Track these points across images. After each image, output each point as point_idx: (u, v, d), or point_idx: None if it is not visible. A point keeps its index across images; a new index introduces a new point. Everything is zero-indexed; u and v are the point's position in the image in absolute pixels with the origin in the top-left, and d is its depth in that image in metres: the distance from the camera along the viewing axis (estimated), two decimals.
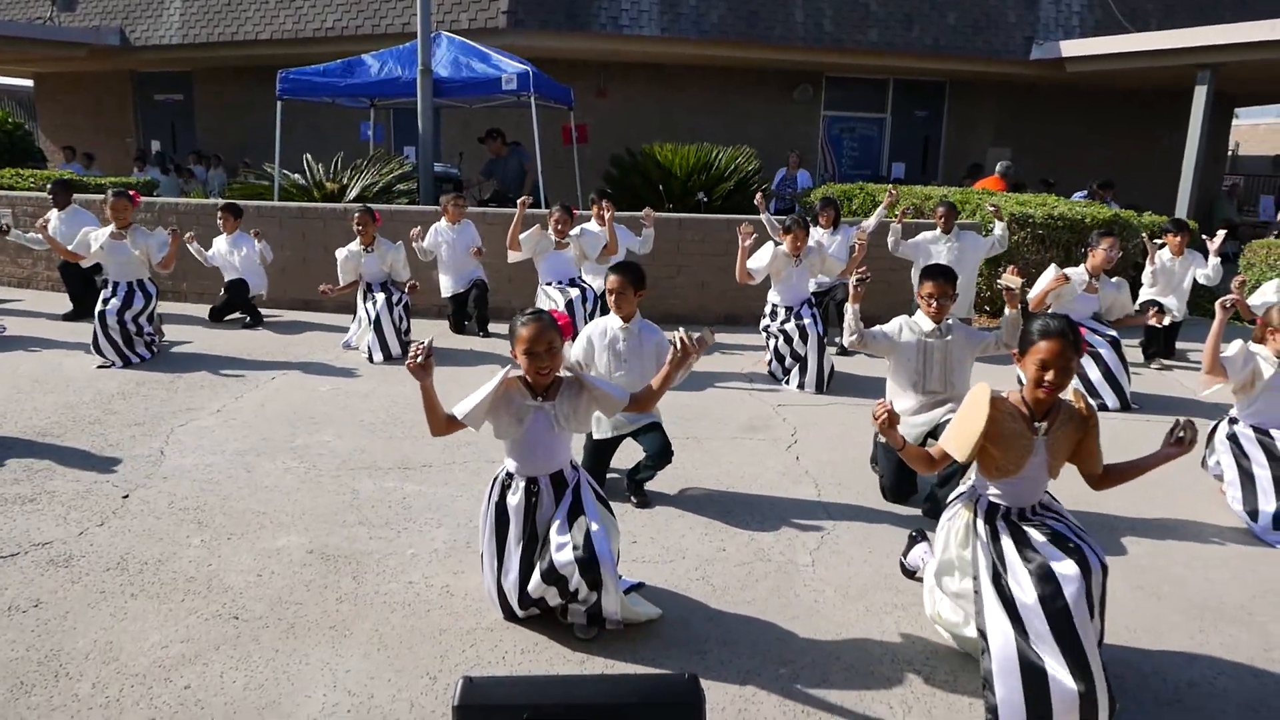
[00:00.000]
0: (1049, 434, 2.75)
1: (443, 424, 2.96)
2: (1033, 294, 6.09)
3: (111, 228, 6.62)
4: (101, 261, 6.79)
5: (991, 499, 2.83)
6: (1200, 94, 12.27)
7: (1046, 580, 2.57)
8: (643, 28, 13.43)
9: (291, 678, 2.80)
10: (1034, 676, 2.52)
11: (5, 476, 4.32)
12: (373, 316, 6.86)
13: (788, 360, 6.44)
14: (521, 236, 6.87)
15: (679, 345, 2.92)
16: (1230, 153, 21.31)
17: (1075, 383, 5.66)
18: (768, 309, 6.66)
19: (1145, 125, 16.37)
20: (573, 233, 7.03)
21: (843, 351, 7.51)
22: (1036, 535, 2.72)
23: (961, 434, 2.75)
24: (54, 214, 7.68)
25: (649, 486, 4.32)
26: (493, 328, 7.89)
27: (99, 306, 6.47)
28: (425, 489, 4.33)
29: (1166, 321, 7.40)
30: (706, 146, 11.86)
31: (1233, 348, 4.22)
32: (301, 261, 8.71)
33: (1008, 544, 2.70)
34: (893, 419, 2.74)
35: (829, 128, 16.13)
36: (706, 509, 4.21)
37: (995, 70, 14.95)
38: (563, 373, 3.10)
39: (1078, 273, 6.07)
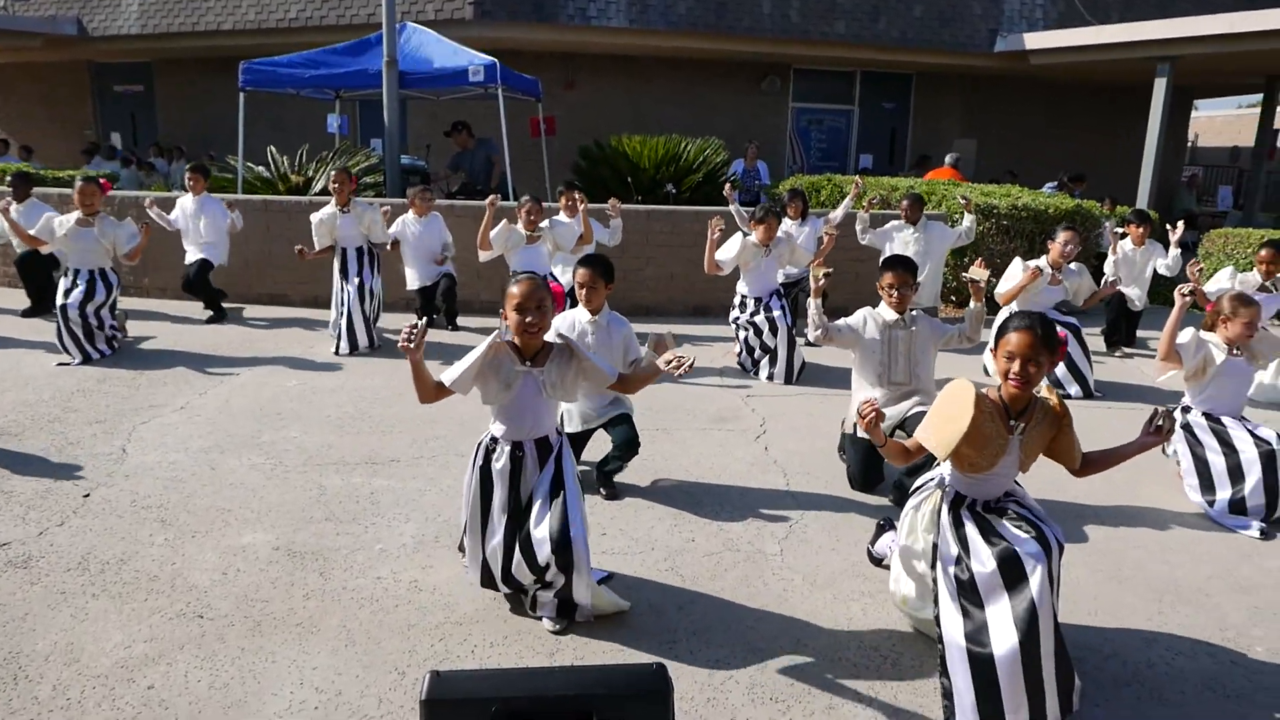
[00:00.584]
0: (1024, 433, 2.76)
1: (431, 392, 2.95)
2: (1005, 289, 6.13)
3: (78, 214, 6.46)
4: (64, 249, 6.63)
5: (960, 491, 2.85)
6: (1160, 86, 12.46)
7: (1008, 556, 2.61)
8: (610, 19, 13.38)
9: (258, 676, 2.77)
10: (982, 666, 2.56)
11: None
12: (345, 308, 6.81)
13: (757, 352, 6.47)
14: (491, 234, 6.79)
15: (666, 362, 2.92)
16: (1190, 144, 21.67)
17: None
18: (736, 300, 6.68)
19: (1108, 117, 16.63)
20: (544, 224, 6.98)
21: (811, 343, 7.56)
22: (999, 521, 2.76)
23: (943, 433, 2.73)
24: (13, 205, 7.51)
25: (618, 478, 4.33)
26: (461, 321, 7.85)
27: (59, 299, 6.34)
28: (393, 484, 4.31)
29: (1138, 307, 7.55)
30: (675, 138, 11.85)
31: (1185, 335, 4.31)
32: (266, 255, 8.60)
33: (971, 531, 2.74)
34: (879, 417, 2.73)
35: (797, 119, 16.19)
36: (676, 500, 4.22)
37: (960, 63, 15.09)
38: (554, 339, 3.09)
39: (1043, 264, 6.17)
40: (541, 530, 2.92)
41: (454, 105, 12.57)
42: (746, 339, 6.52)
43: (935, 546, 2.83)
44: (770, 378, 6.35)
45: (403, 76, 9.50)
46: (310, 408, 5.44)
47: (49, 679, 2.71)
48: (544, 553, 2.90)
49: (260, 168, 10.59)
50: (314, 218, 7.00)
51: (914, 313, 4.27)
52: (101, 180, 6.67)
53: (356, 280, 6.90)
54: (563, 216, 7.33)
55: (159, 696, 2.65)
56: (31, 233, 6.62)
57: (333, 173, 7.00)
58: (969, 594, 2.64)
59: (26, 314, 7.87)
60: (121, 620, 3.05)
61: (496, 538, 3.03)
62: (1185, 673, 2.95)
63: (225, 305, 8.08)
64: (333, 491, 4.19)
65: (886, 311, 4.26)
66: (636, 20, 13.48)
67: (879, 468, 4.37)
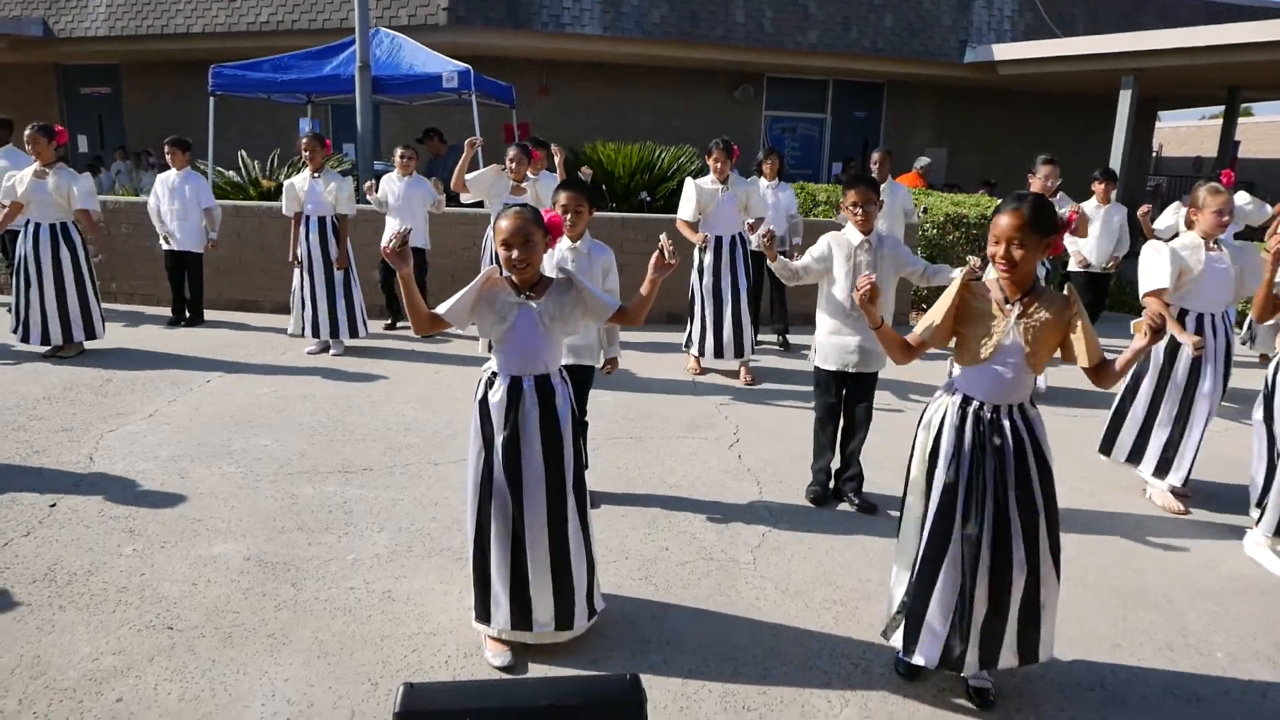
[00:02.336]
0: (1024, 318, 2.64)
1: (425, 322, 2.91)
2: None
3: (35, 165, 6.31)
4: (30, 202, 6.44)
5: (966, 392, 2.75)
6: (1125, 97, 12.72)
7: (956, 545, 2.69)
8: (584, 26, 13.42)
9: (228, 688, 2.75)
10: (913, 622, 2.79)
11: None
12: (323, 296, 6.82)
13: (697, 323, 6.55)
14: (472, 176, 6.52)
15: (661, 253, 2.85)
16: (1154, 154, 22.09)
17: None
18: (698, 259, 6.60)
19: (1075, 127, 16.90)
20: (530, 176, 6.81)
21: (786, 347, 7.61)
22: (989, 486, 2.66)
23: (931, 312, 2.75)
24: None
25: (592, 487, 4.33)
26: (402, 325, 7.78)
27: (18, 252, 6.32)
28: (366, 493, 4.29)
29: (1099, 267, 7.57)
30: (649, 146, 11.90)
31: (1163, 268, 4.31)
32: (238, 261, 8.53)
33: (958, 480, 2.69)
34: (874, 293, 2.72)
35: (770, 127, 16.30)
36: (649, 509, 4.24)
37: (931, 72, 15.29)
38: (554, 274, 3.04)
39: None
40: (543, 612, 2.97)
41: (427, 111, 12.53)
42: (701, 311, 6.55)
43: (927, 488, 2.75)
44: (718, 353, 6.43)
45: (376, 82, 9.46)
46: (282, 415, 5.40)
47: (15, 693, 2.68)
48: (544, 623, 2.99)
49: (231, 172, 10.50)
50: (285, 182, 6.98)
51: (880, 234, 4.20)
52: (58, 128, 6.46)
53: (320, 252, 6.84)
54: (544, 172, 7.16)
55: (128, 709, 2.63)
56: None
57: (303, 140, 6.90)
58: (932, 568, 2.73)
59: None
60: (89, 632, 3.02)
61: (498, 562, 2.94)
62: (1148, 678, 3.01)
63: (202, 308, 7.99)
64: (305, 501, 4.17)
65: (852, 233, 4.17)
66: (611, 28, 13.53)
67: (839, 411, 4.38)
